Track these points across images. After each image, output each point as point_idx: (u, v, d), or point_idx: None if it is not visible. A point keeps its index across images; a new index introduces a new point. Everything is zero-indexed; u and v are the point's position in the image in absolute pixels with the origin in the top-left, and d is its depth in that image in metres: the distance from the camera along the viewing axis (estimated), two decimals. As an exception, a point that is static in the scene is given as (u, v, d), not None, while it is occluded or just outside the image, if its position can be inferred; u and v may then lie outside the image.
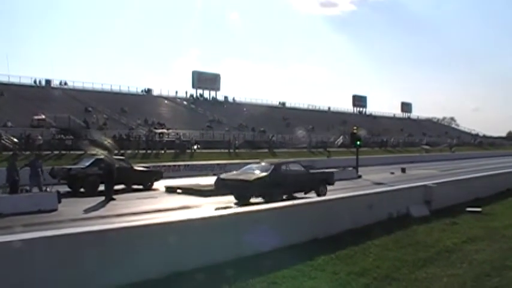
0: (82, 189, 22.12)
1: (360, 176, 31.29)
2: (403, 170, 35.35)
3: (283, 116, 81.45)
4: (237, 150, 50.14)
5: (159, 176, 26.08)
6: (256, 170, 19.85)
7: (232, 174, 20.35)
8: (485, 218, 14.40)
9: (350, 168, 32.66)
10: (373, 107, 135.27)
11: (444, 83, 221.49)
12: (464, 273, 8.29)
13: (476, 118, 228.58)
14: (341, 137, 68.89)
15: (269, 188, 18.49)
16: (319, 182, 21.32)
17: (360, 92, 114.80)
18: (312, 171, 22.35)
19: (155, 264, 7.98)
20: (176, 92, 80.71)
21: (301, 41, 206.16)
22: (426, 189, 16.44)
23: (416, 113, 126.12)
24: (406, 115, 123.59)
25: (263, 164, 20.75)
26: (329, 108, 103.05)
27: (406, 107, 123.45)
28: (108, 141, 38.11)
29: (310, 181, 20.99)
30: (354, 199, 13.67)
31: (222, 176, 20.35)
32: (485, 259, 9.23)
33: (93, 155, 24.37)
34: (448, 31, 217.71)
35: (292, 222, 10.78)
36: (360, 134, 37.17)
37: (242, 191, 18.82)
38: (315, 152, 56.92)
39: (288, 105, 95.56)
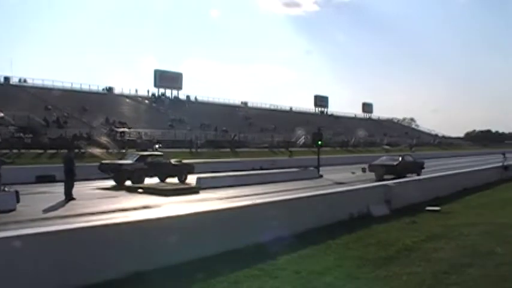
0: (129, 182, 25.10)
1: (321, 176, 31.51)
2: (364, 170, 35.66)
3: (245, 116, 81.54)
4: (199, 150, 50.00)
5: (191, 169, 28.82)
6: (390, 160, 32.09)
7: (379, 161, 32.48)
8: (444, 217, 14.64)
9: (311, 168, 32.86)
10: (335, 107, 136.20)
11: (405, 84, 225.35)
12: (423, 271, 8.39)
13: (436, 119, 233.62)
14: (303, 136, 69.30)
15: (397, 171, 29.29)
16: (419, 167, 32.43)
17: (322, 92, 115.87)
18: (418, 160, 34.31)
19: (114, 264, 7.86)
20: (137, 91, 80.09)
21: (264, 40, 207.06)
22: (386, 188, 16.62)
23: (377, 113, 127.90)
24: (367, 115, 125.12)
25: (393, 155, 34.67)
26: (291, 108, 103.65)
27: (367, 107, 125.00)
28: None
29: (418, 167, 32.17)
30: (315, 199, 13.76)
31: (374, 163, 32.07)
32: (443, 257, 9.37)
33: (137, 152, 29.50)
34: (410, 32, 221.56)
35: (256, 222, 10.79)
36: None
37: (390, 170, 29.71)
38: (276, 151, 57.13)
39: (250, 104, 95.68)
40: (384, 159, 33.21)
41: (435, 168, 38.00)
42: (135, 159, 26.80)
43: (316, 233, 11.52)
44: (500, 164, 31.47)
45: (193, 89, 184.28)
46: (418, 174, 29.71)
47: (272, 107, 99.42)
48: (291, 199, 13.39)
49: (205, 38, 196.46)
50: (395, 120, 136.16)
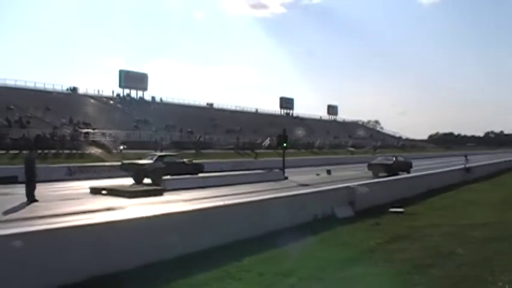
0: (148, 180, 26.77)
1: (286, 178, 31.52)
2: (329, 172, 35.92)
3: (210, 117, 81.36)
4: (164, 151, 49.52)
5: (202, 168, 31.84)
6: (386, 160, 36.76)
7: (376, 161, 37.05)
8: (408, 218, 14.77)
9: (277, 170, 32.87)
10: (300, 109, 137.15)
11: (373, 87, 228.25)
12: (387, 272, 8.45)
13: (401, 122, 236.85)
14: (268, 138, 69.44)
15: (393, 169, 33.35)
16: (409, 166, 36.93)
17: (288, 94, 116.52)
18: (407, 160, 38.82)
19: (75, 267, 7.75)
20: (101, 91, 79.30)
21: (231, 42, 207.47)
22: (350, 190, 16.68)
23: (343, 115, 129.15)
24: (332, 117, 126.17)
25: (387, 156, 39.29)
26: (257, 109, 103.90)
27: (332, 109, 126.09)
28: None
29: (408, 166, 36.73)
30: (279, 200, 13.71)
31: (372, 162, 36.69)
32: (406, 258, 9.44)
33: (154, 153, 32.40)
34: (378, 35, 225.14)
35: (219, 224, 10.72)
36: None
37: (387, 169, 33.43)
38: (242, 153, 57.10)
39: (215, 106, 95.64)
40: (380, 159, 38.12)
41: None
42: (154, 159, 28.94)
43: (280, 234, 11.49)
44: (463, 166, 32.00)
45: (159, 90, 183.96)
46: (408, 173, 34.02)
47: (238, 109, 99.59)
48: (255, 201, 13.33)
49: (172, 39, 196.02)
50: (360, 123, 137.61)
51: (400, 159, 37.82)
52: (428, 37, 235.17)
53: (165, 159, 29.42)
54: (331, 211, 14.90)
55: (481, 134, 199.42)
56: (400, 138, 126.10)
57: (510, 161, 51.21)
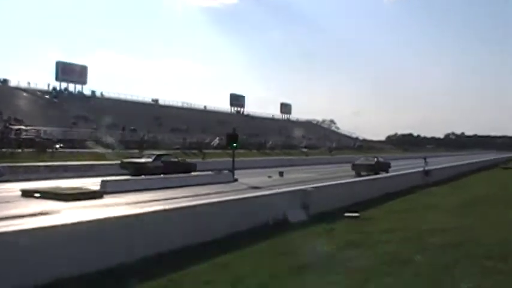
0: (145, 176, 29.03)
1: (236, 180, 31.46)
2: (281, 174, 36.05)
3: (155, 114, 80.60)
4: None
5: (195, 167, 35.79)
6: (368, 160, 42.16)
7: (359, 161, 42.14)
8: (363, 223, 14.92)
9: (226, 171, 32.78)
10: (252, 107, 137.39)
11: (328, 85, 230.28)
12: (341, 281, 8.47)
13: (357, 121, 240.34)
14: (217, 138, 69.30)
15: (375, 168, 38.62)
16: (388, 166, 41.83)
17: (239, 91, 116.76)
18: (386, 161, 43.91)
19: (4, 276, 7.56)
20: (36, 84, 77.58)
21: (178, 34, 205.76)
22: (304, 193, 16.79)
23: (296, 114, 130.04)
24: (285, 116, 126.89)
25: (368, 157, 45.65)
26: (205, 107, 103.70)
27: (285, 108, 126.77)
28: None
29: (387, 166, 41.51)
30: (228, 204, 13.69)
31: (356, 162, 41.50)
32: (361, 265, 9.49)
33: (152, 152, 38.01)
34: (335, 31, 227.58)
35: (162, 230, 10.61)
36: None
37: (369, 168, 38.65)
38: (188, 153, 56.78)
39: (161, 102, 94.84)
40: (363, 159, 43.47)
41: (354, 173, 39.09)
42: (153, 158, 34.03)
43: (228, 241, 11.44)
44: (422, 168, 32.68)
45: (100, 84, 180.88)
46: (387, 172, 38.10)
47: (185, 105, 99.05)
48: (200, 205, 13.07)
49: (114, 30, 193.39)
50: (315, 122, 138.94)
51: (381, 159, 43.54)
52: (387, 35, 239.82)
53: (163, 158, 34.44)
54: (283, 215, 14.92)
55: (441, 136, 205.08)
56: (356, 139, 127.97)
57: (471, 163, 52.77)
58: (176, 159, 36.12)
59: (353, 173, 38.62)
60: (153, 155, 35.50)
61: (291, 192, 17.19)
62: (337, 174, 36.68)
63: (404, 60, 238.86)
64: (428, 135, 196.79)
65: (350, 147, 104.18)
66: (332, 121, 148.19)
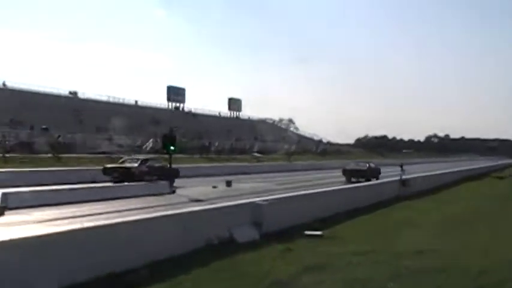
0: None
1: (174, 191, 31.35)
2: (229, 183, 36.02)
3: (74, 110, 79.52)
4: (7, 155, 47.90)
5: (177, 173, 38.15)
6: (359, 165, 46.23)
7: (349, 165, 46.82)
8: (327, 243, 15.04)
9: (163, 182, 32.61)
10: (194, 103, 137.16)
11: (286, 78, 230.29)
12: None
13: (322, 121, 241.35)
14: (151, 139, 68.93)
15: (367, 175, 42.62)
16: (377, 173, 45.93)
17: (178, 83, 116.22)
18: (378, 167, 48.39)
19: None
20: None
21: (104, 12, 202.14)
22: (256, 208, 16.81)
23: (248, 112, 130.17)
24: (234, 114, 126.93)
25: (359, 161, 51.53)
26: (136, 102, 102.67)
27: (234, 104, 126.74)
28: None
29: (377, 173, 45.82)
30: (161, 221, 13.54)
31: (347, 167, 46.10)
32: (325, 293, 9.57)
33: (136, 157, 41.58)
34: (292, 18, 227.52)
35: (69, 256, 10.42)
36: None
37: (360, 174, 42.84)
38: (115, 158, 56.25)
39: (81, 95, 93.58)
40: (353, 165, 47.55)
41: (319, 182, 39.41)
42: (138, 163, 36.98)
43: (162, 265, 11.39)
44: (398, 177, 33.02)
45: (3, 71, 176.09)
46: (377, 179, 41.94)
47: (112, 100, 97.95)
48: (124, 222, 12.86)
49: (19, 5, 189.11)
50: (270, 121, 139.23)
51: (372, 165, 47.78)
52: (354, 22, 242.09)
53: (148, 163, 37.58)
54: (230, 234, 14.94)
55: (422, 138, 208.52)
56: (320, 141, 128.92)
57: (457, 172, 53.75)
58: (161, 165, 38.18)
59: (317, 182, 38.99)
60: (138, 159, 38.89)
61: (239, 206, 17.13)
62: (297, 184, 36.95)
63: (376, 50, 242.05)
64: (406, 137, 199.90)
65: (312, 152, 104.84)
66: (291, 120, 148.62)
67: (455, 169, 56.82)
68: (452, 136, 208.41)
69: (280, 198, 20.07)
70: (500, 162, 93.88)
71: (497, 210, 24.70)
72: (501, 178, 52.08)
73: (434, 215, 22.09)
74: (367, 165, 46.54)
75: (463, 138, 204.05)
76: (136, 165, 36.39)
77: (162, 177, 34.92)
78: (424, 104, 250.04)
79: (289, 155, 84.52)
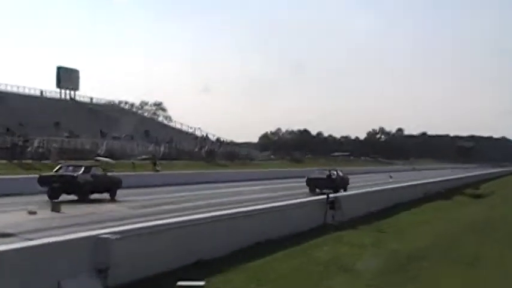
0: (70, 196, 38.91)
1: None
2: (56, 207, 35.68)
3: None
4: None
5: (120, 183, 46.23)
6: (324, 174, 60.63)
7: (314, 174, 62.16)
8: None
9: None
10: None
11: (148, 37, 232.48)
12: None
13: (211, 108, 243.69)
14: None
15: (336, 185, 55.21)
16: (346, 183, 60.61)
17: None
18: (341, 175, 60.96)
19: None
20: None
21: None
22: (100, 245, 16.49)
23: (88, 91, 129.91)
24: (67, 94, 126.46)
25: (324, 170, 64.28)
26: None
27: (67, 77, 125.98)
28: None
29: (346, 182, 60.60)
30: None
31: (310, 176, 59.88)
32: None
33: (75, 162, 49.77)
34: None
35: None
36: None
37: (327, 184, 53.36)
38: None
39: None
40: (317, 172, 59.22)
41: (202, 202, 39.62)
42: (81, 170, 42.00)
43: None
44: (324, 196, 32.98)
45: None
46: (345, 190, 52.42)
47: None
48: None
49: None
50: (127, 107, 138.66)
51: (340, 173, 59.69)
52: None
53: (92, 171, 43.66)
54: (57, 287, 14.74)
55: (362, 135, 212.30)
56: (205, 138, 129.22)
57: (414, 185, 55.25)
58: (104, 173, 45.33)
59: (197, 204, 39.50)
60: (79, 166, 44.94)
61: (71, 244, 16.83)
62: (164, 208, 37.73)
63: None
64: (338, 133, 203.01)
65: (193, 154, 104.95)
66: (160, 106, 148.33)
67: (410, 182, 58.75)
68: (407, 132, 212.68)
69: (137, 229, 19.87)
70: (478, 172, 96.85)
71: (471, 246, 25.33)
72: (477, 197, 53.91)
73: (378, 256, 22.20)
74: (335, 173, 57.75)
75: (424, 134, 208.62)
76: (80, 172, 40.82)
77: (106, 189, 41.18)
78: (365, 87, 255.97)
79: (153, 161, 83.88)
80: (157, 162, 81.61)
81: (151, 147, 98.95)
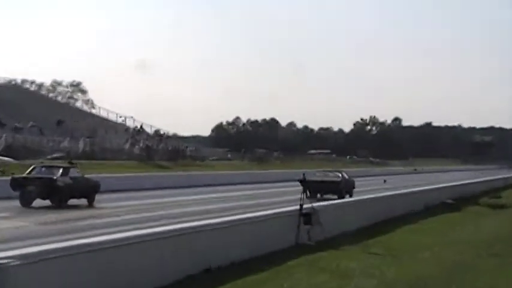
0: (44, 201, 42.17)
1: None
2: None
3: None
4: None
5: (98, 187, 50.49)
6: (329, 176, 67.50)
7: (316, 177, 64.56)
8: None
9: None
10: None
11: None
12: None
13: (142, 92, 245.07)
14: None
15: (340, 190, 63.11)
16: (352, 187, 66.76)
17: None
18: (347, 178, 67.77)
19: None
20: None
21: None
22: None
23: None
24: None
25: (329, 172, 72.02)
26: None
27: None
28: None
29: (351, 186, 66.85)
30: None
31: (311, 178, 57.11)
32: None
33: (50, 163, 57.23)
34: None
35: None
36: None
37: (331, 189, 62.66)
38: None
39: None
40: (319, 175, 62.36)
41: (123, 219, 38.87)
42: (60, 172, 45.17)
43: None
44: (297, 207, 31.72)
45: None
46: (351, 196, 56.97)
47: None
48: None
49: None
50: (31, 87, 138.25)
51: (346, 176, 63.75)
52: None
53: (71, 173, 46.83)
54: None
55: (347, 127, 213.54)
56: (140, 130, 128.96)
57: (409, 193, 54.86)
58: (82, 175, 48.83)
59: (118, 220, 39.61)
60: (55, 166, 49.26)
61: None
62: (73, 225, 38.05)
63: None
64: (315, 125, 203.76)
65: (125, 153, 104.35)
66: (77, 86, 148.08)
67: (404, 190, 59.02)
68: (406, 122, 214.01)
69: (39, 253, 18.70)
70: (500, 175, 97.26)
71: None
72: (496, 207, 53.59)
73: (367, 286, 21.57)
74: (340, 175, 61.56)
75: (428, 125, 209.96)
76: (59, 175, 43.87)
77: (84, 193, 44.73)
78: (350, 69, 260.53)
79: (70, 160, 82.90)
80: (77, 168, 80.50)
81: (65, 143, 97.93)
